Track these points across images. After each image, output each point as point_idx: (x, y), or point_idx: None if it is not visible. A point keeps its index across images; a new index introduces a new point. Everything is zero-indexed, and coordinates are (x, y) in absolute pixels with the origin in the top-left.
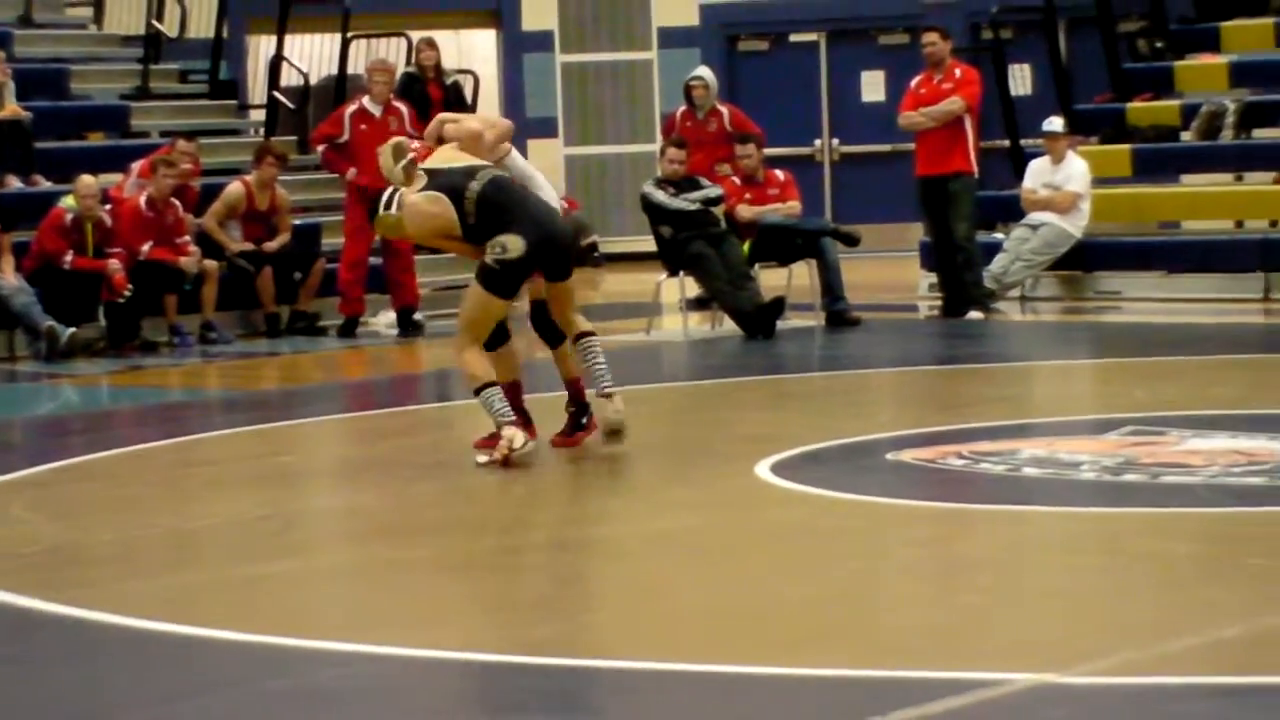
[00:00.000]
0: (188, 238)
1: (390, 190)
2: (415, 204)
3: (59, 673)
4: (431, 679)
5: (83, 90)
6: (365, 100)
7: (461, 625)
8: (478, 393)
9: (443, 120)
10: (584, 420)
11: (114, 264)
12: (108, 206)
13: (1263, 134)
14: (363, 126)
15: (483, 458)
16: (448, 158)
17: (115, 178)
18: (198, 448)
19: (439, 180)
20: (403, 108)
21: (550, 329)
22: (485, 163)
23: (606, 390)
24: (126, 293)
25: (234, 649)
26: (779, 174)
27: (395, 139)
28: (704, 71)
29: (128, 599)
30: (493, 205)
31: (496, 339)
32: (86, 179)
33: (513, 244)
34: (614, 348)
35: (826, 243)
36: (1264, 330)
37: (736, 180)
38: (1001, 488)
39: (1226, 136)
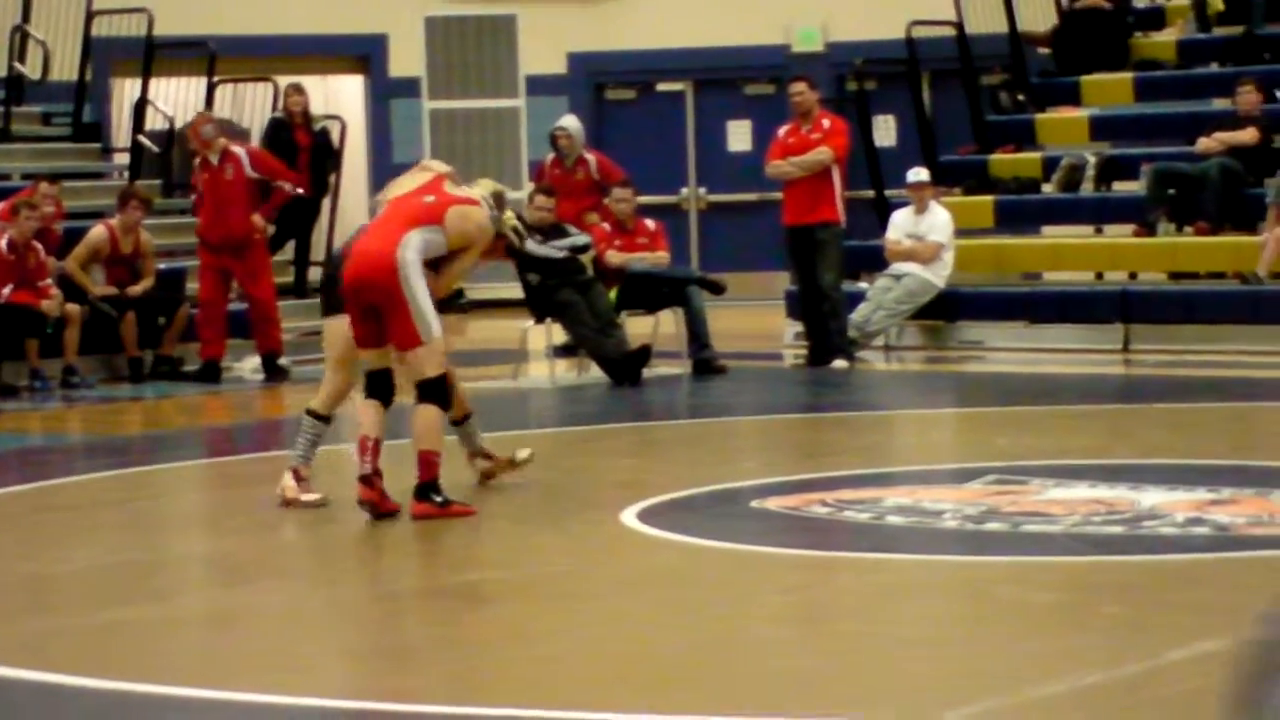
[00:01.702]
0: (49, 281)
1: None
2: None
3: None
4: None
5: None
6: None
7: (325, 673)
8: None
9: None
10: None
11: None
12: None
13: (1122, 187)
14: (205, 175)
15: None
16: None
17: None
18: (57, 492)
19: None
20: (241, 153)
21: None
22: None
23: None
24: None
25: (90, 696)
26: (649, 223)
27: (492, 187)
28: (568, 121)
29: None
30: None
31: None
32: None
33: None
34: (481, 394)
35: (692, 290)
36: (1123, 381)
37: (607, 226)
38: (865, 536)
39: (1087, 189)
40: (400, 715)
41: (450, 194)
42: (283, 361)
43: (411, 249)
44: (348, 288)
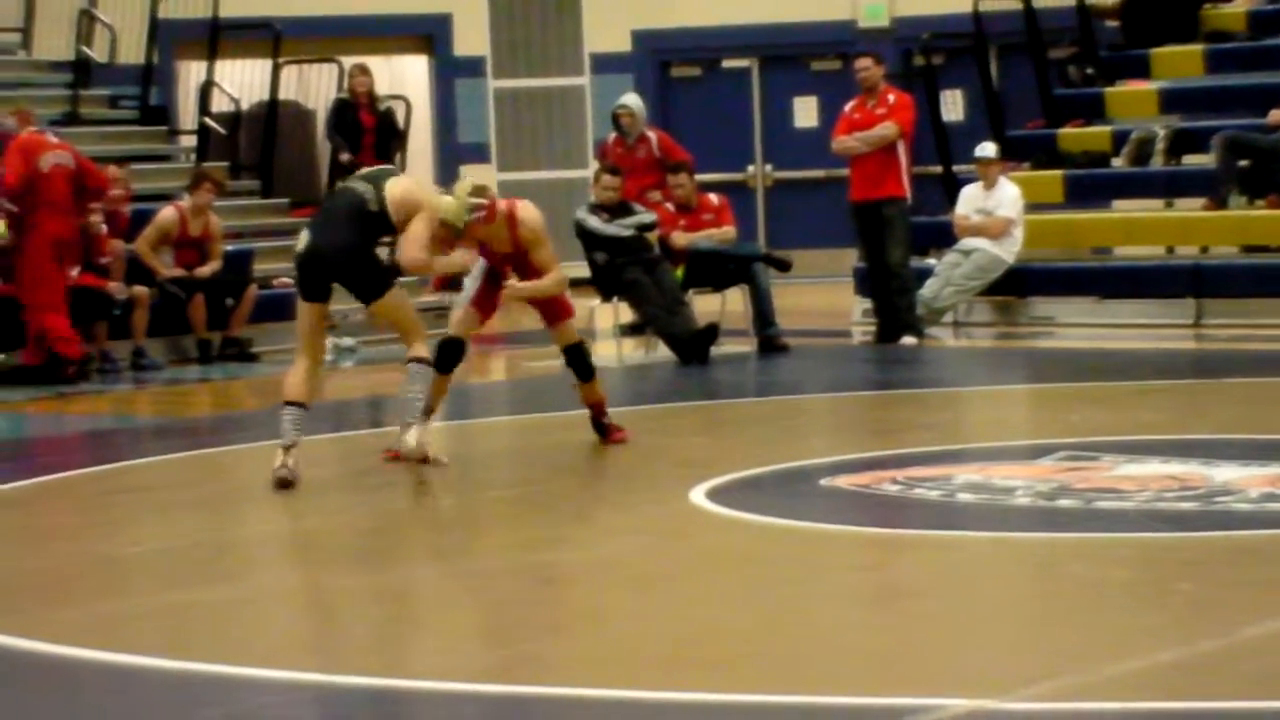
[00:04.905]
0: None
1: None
2: None
3: None
4: (369, 708)
5: None
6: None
7: (399, 653)
8: None
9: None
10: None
11: None
12: None
13: (1192, 160)
14: None
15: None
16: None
17: None
18: (128, 474)
19: None
20: (50, 138)
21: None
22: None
23: (408, 421)
24: None
25: (166, 677)
26: (713, 199)
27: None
28: (630, 99)
29: (57, 627)
30: None
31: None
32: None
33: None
34: (548, 373)
35: (758, 268)
36: (1195, 355)
37: (671, 207)
38: (936, 513)
39: (1156, 163)
40: (473, 696)
41: None
42: (349, 342)
43: None
44: None
